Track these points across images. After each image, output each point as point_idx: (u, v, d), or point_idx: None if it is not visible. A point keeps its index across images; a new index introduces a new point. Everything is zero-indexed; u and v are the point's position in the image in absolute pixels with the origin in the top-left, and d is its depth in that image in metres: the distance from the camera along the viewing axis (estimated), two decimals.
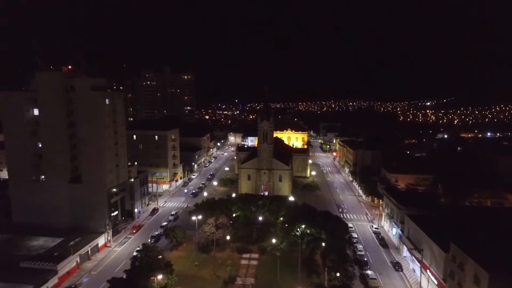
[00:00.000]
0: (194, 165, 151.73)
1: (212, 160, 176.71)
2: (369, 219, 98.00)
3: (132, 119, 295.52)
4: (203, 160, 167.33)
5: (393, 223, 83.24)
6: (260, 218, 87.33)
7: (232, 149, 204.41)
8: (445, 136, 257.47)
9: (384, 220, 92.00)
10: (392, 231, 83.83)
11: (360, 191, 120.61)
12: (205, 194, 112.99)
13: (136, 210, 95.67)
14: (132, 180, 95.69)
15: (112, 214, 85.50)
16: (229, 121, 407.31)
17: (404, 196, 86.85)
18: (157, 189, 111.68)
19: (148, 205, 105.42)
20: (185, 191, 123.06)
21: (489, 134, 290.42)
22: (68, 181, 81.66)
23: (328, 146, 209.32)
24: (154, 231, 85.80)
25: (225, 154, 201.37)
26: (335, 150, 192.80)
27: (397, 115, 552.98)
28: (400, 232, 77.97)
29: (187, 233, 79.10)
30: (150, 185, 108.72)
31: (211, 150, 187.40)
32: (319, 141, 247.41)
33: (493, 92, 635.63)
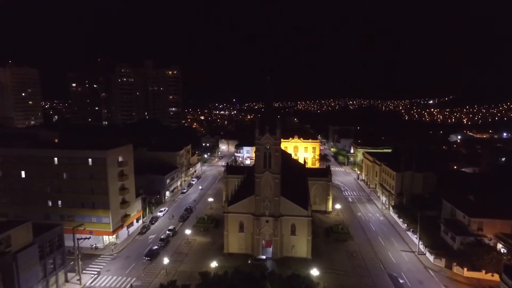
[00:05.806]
0: (164, 194, 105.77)
1: (194, 181, 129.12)
2: None
3: (106, 122, 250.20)
4: (179, 183, 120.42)
5: None
6: None
7: (224, 162, 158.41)
8: (459, 137, 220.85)
9: None
10: None
11: (421, 246, 74.91)
12: (166, 260, 66.48)
13: None
14: (16, 253, 50.09)
15: None
16: (226, 122, 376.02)
17: None
18: (77, 247, 65.53)
19: None
20: (146, 242, 77.25)
21: (505, 134, 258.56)
22: None
23: (348, 159, 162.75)
24: None
25: (213, 170, 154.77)
26: (359, 165, 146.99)
27: (401, 114, 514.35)
28: None
29: None
30: (81, 238, 62.99)
31: (192, 168, 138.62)
32: (332, 149, 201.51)
33: (493, 90, 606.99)
